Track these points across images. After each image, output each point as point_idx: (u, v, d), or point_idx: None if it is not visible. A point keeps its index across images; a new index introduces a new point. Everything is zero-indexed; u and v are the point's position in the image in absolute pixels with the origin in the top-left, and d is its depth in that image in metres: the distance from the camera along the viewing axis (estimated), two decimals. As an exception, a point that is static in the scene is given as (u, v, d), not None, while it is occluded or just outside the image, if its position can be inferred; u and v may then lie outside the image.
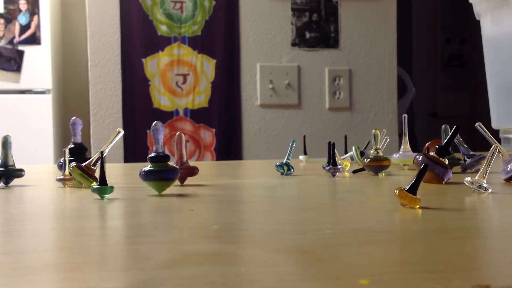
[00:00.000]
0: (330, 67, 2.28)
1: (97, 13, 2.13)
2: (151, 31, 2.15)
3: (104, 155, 0.59)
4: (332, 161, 0.83)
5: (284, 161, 0.88)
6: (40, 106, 2.20)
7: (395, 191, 0.49)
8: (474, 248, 0.35)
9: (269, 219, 0.47)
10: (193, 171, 0.72)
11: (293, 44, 2.26)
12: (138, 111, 2.14)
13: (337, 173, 0.84)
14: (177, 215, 0.49)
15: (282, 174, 0.88)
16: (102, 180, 0.58)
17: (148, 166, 0.61)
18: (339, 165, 0.85)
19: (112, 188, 0.58)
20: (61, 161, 0.75)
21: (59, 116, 2.39)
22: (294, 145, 0.90)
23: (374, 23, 2.32)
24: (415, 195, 0.48)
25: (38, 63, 2.19)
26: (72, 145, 0.76)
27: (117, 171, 1.12)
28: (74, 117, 0.78)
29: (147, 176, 0.60)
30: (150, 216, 0.48)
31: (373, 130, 0.86)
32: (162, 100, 2.16)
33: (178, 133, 0.70)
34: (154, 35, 2.15)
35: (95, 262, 0.31)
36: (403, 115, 0.91)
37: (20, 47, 2.19)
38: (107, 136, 2.07)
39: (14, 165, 0.76)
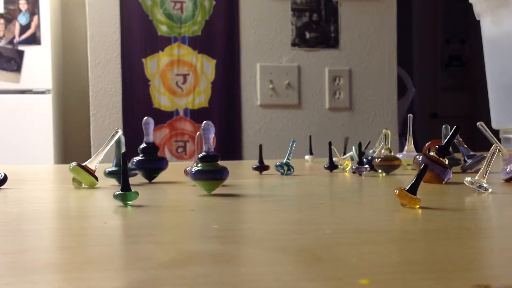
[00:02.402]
0: (330, 67, 2.28)
1: (97, 13, 2.13)
2: (151, 31, 2.15)
3: (126, 158, 0.55)
4: (359, 161, 0.83)
5: (284, 161, 0.88)
6: (40, 106, 2.20)
7: (395, 191, 0.49)
8: (474, 248, 0.35)
9: (269, 219, 0.47)
10: None
11: (293, 44, 2.26)
12: (138, 111, 2.14)
13: (364, 173, 0.83)
14: (177, 215, 0.49)
15: (282, 174, 0.88)
16: (125, 185, 0.52)
17: (197, 166, 0.60)
18: (346, 164, 0.85)
19: (136, 193, 0.53)
20: (135, 160, 0.77)
21: (59, 116, 2.39)
22: (294, 145, 0.90)
23: (374, 23, 2.32)
24: (415, 195, 0.48)
25: (38, 63, 2.19)
26: (145, 144, 0.77)
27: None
28: (146, 117, 0.78)
29: (197, 175, 0.59)
30: (150, 216, 0.48)
31: (384, 130, 0.86)
32: (162, 100, 2.16)
33: (198, 133, 0.70)
34: (154, 35, 2.15)
35: (95, 262, 0.31)
36: (408, 115, 0.91)
37: (20, 47, 2.19)
38: (107, 136, 2.07)
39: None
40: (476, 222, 0.44)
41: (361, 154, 0.84)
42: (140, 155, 0.77)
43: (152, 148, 0.77)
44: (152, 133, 0.78)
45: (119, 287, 0.26)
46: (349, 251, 0.32)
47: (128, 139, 2.50)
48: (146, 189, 0.69)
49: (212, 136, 0.60)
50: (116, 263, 0.31)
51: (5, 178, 0.73)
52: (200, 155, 0.60)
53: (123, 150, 0.72)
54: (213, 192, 0.62)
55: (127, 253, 0.34)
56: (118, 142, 0.71)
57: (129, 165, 0.76)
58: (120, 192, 0.52)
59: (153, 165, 0.76)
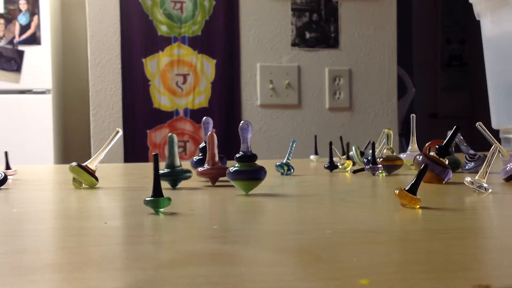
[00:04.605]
0: (330, 67, 2.28)
1: (97, 13, 2.13)
2: (151, 31, 2.15)
3: (157, 159, 0.48)
4: (372, 160, 0.82)
5: (284, 161, 0.88)
6: (40, 106, 2.20)
7: (395, 191, 0.49)
8: (474, 248, 0.35)
9: (269, 219, 0.47)
10: (225, 172, 0.70)
11: (293, 44, 2.26)
12: (138, 111, 2.14)
13: (377, 172, 0.83)
14: (177, 215, 0.49)
15: (282, 174, 0.88)
16: (157, 191, 0.47)
17: (235, 166, 0.59)
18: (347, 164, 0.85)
19: (169, 200, 0.47)
20: (195, 159, 0.78)
21: (59, 116, 2.39)
22: (294, 145, 0.90)
23: (374, 23, 2.32)
24: (415, 195, 0.48)
25: (38, 63, 2.19)
26: (204, 144, 0.79)
27: (117, 171, 1.12)
28: (205, 117, 0.79)
29: (235, 175, 0.59)
30: (150, 216, 0.48)
31: (386, 130, 0.86)
32: (162, 100, 2.16)
33: (209, 132, 0.70)
34: (154, 35, 2.15)
35: (95, 262, 0.31)
36: (411, 115, 0.91)
37: (20, 47, 2.18)
38: (107, 136, 2.07)
39: (180, 166, 0.68)
40: (476, 222, 0.44)
41: (374, 153, 0.83)
42: (200, 154, 0.79)
43: None
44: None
45: (119, 287, 0.26)
46: (349, 251, 0.32)
47: (128, 139, 2.50)
48: (144, 188, 0.69)
49: (249, 135, 0.59)
50: (116, 263, 0.31)
51: (5, 178, 0.73)
52: (238, 155, 0.59)
53: (176, 149, 0.67)
54: (213, 192, 0.62)
55: (127, 253, 0.34)
56: (171, 141, 0.66)
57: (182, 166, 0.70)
58: (151, 198, 0.46)
59: None
